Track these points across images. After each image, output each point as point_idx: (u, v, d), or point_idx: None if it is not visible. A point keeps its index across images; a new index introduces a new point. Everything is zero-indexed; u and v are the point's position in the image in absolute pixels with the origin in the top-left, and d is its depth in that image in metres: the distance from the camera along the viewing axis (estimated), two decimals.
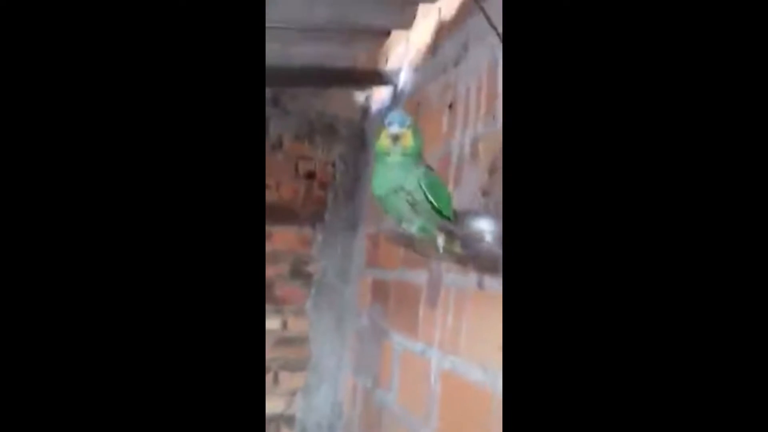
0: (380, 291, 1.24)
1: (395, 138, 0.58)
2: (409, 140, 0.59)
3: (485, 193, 0.80)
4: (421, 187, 0.59)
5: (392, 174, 0.59)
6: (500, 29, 0.58)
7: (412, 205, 0.52)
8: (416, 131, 0.60)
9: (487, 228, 0.49)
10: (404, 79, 1.33)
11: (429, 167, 0.63)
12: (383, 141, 0.59)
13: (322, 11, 1.01)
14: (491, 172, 0.78)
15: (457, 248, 0.50)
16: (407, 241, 0.58)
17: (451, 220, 0.58)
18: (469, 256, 0.51)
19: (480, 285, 0.76)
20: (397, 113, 0.61)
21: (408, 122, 0.59)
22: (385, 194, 0.58)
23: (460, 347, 0.80)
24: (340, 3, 1.01)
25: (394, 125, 0.58)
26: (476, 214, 0.52)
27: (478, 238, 0.48)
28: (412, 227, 0.55)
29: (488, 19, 0.56)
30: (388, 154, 0.59)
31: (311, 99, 1.49)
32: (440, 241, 0.49)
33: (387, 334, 1.14)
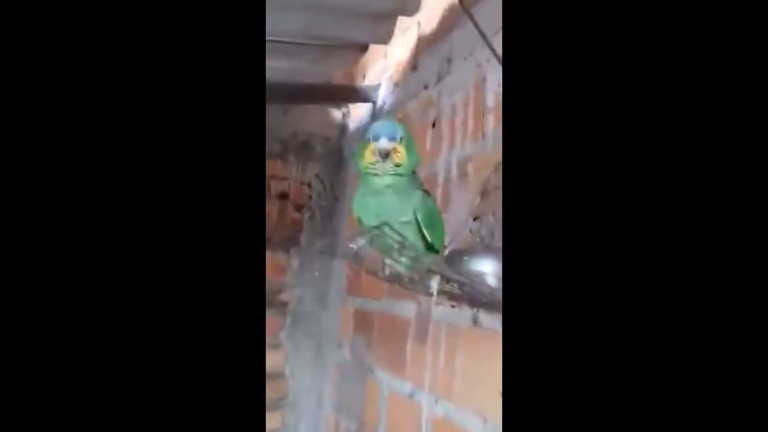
0: (363, 322, 1.15)
1: (385, 154, 0.47)
2: (402, 156, 0.48)
3: (476, 218, 0.73)
4: (416, 218, 0.49)
5: (382, 199, 0.49)
6: (490, 41, 0.52)
7: (401, 242, 0.43)
8: (411, 145, 0.50)
9: (489, 270, 0.41)
10: (383, 95, 1.27)
11: (426, 192, 0.54)
12: (368, 158, 0.48)
13: (294, 24, 0.93)
14: (483, 194, 0.71)
15: (455, 290, 0.42)
16: (392, 278, 0.50)
17: (438, 253, 0.49)
18: (466, 296, 0.44)
19: (475, 321, 0.69)
20: (385, 124, 0.50)
21: (400, 134, 0.48)
22: (375, 224, 0.48)
23: (454, 392, 0.71)
24: (313, 15, 0.94)
25: (382, 139, 0.47)
26: (475, 253, 0.44)
27: (478, 281, 0.40)
28: (398, 265, 0.46)
29: (477, 26, 0.50)
30: (375, 174, 0.48)
31: (284, 116, 1.41)
32: (434, 284, 0.41)
33: (371, 370, 1.05)
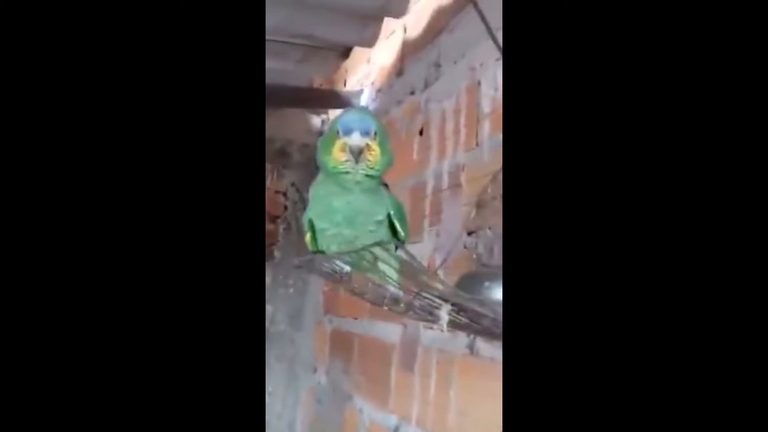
0: (341, 344, 1.06)
1: (358, 153, 0.40)
2: (376, 155, 0.41)
3: (471, 233, 0.67)
4: (390, 216, 0.43)
5: (351, 199, 0.42)
6: (497, 40, 0.47)
7: (372, 259, 0.35)
8: (384, 141, 0.43)
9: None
10: (366, 101, 1.21)
11: (386, 185, 0.47)
12: (337, 156, 0.41)
13: (274, 19, 0.86)
14: (479, 206, 0.65)
15: (467, 321, 0.34)
16: (389, 302, 0.43)
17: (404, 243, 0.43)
18: (481, 329, 0.36)
19: (472, 349, 0.62)
20: (358, 116, 0.42)
21: (374, 128, 0.41)
22: (345, 230, 0.42)
23: (447, 428, 0.64)
24: (293, 14, 0.88)
25: (354, 133, 0.40)
26: (496, 278, 0.36)
27: (495, 310, 0.32)
28: (388, 284, 0.39)
29: (484, 20, 0.44)
30: (345, 173, 0.41)
31: None
32: (443, 313, 0.33)
33: (350, 398, 0.96)
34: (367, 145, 0.41)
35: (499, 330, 0.32)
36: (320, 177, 0.45)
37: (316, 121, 1.41)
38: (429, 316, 0.36)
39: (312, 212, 0.46)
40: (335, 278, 0.46)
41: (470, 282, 0.36)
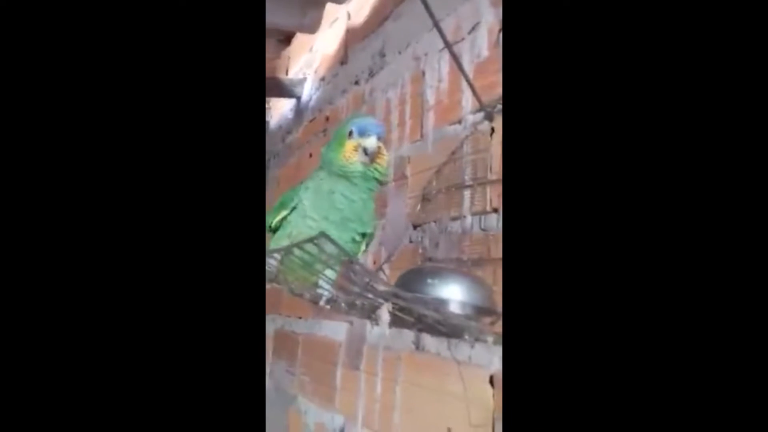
0: (285, 345, 1.02)
1: (373, 155, 0.43)
2: (384, 159, 0.44)
3: (417, 226, 0.65)
4: (365, 237, 0.47)
5: (356, 206, 0.44)
6: (442, 30, 0.45)
7: (309, 260, 0.35)
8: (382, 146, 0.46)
9: (460, 297, 0.32)
10: (309, 90, 1.16)
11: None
12: (349, 155, 0.43)
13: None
14: (424, 199, 0.64)
15: (410, 318, 0.32)
16: (328, 302, 0.40)
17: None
18: (424, 327, 0.34)
19: (417, 345, 0.60)
20: (372, 120, 0.45)
21: (383, 133, 0.44)
22: (332, 230, 0.42)
23: (393, 427, 0.62)
24: None
25: (372, 136, 0.43)
26: (441, 275, 0.34)
27: (444, 310, 0.31)
28: (324, 287, 0.38)
29: (428, 9, 0.42)
30: (352, 173, 0.43)
31: None
32: (383, 314, 0.31)
33: (294, 400, 0.92)
34: (380, 148, 0.44)
35: (444, 328, 0.30)
36: (322, 174, 0.47)
37: None
38: (371, 314, 0.34)
39: (306, 201, 0.46)
40: (271, 278, 0.43)
41: (414, 278, 0.34)
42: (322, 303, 0.39)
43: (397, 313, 0.31)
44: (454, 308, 0.31)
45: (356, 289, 0.31)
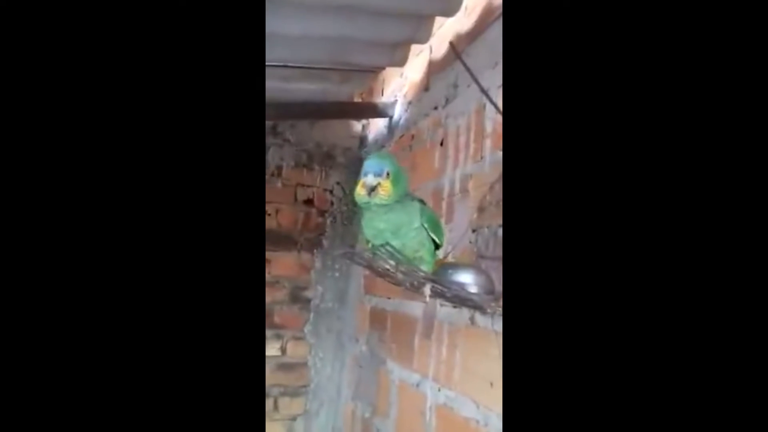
0: (378, 319, 1.26)
1: (370, 189, 0.55)
2: (387, 190, 0.54)
3: (474, 230, 0.84)
4: (423, 224, 0.57)
5: (389, 217, 0.56)
6: (479, 83, 0.62)
7: (396, 260, 0.51)
8: (399, 176, 0.57)
9: (470, 281, 0.52)
10: (399, 111, 1.38)
11: (422, 201, 0.63)
12: (359, 191, 0.56)
13: (322, 52, 1.06)
14: (480, 210, 0.82)
15: (444, 293, 0.53)
16: (397, 282, 0.62)
17: (439, 248, 0.59)
18: (455, 299, 0.55)
19: (472, 321, 0.79)
20: (374, 161, 0.57)
21: (386, 169, 0.55)
22: (394, 241, 0.55)
23: (454, 381, 0.83)
24: (337, 44, 1.06)
25: (369, 175, 0.55)
26: (458, 267, 0.56)
27: (460, 289, 0.52)
28: (398, 275, 0.54)
29: (468, 69, 0.60)
30: (366, 204, 0.56)
31: (310, 129, 1.54)
32: (427, 290, 0.53)
33: (384, 362, 1.16)
34: (379, 183, 0.55)
35: (457, 299, 0.50)
36: (361, 210, 0.59)
37: (357, 127, 1.60)
38: (419, 289, 0.56)
39: (365, 232, 0.61)
40: (366, 266, 0.65)
41: (442, 270, 0.56)
42: (394, 281, 0.60)
43: (435, 286, 0.52)
44: (471, 289, 0.52)
45: (408, 275, 0.52)
